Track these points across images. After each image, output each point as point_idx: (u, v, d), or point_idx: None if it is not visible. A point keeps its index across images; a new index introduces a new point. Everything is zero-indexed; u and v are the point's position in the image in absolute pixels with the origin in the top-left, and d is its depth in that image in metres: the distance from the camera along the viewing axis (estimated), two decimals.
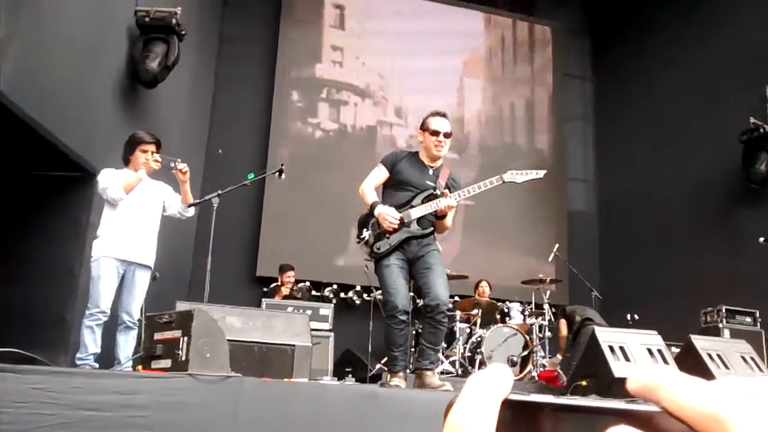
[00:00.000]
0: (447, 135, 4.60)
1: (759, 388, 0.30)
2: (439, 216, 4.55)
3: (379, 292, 7.28)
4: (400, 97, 10.49)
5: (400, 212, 4.54)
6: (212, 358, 3.49)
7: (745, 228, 8.04)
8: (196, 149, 8.83)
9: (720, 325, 7.17)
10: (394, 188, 4.63)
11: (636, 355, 4.64)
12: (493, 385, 0.32)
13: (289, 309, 6.76)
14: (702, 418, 0.29)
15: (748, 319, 7.30)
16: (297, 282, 8.75)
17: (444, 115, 4.69)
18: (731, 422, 0.28)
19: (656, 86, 10.11)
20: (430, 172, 4.66)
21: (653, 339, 4.92)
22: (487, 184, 4.57)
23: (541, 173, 4.74)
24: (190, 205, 5.36)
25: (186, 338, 3.51)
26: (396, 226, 4.48)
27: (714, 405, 0.29)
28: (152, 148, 5.22)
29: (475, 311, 7.83)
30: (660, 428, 0.30)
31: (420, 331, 6.10)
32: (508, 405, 0.32)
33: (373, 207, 4.55)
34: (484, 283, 8.50)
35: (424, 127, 4.66)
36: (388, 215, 4.49)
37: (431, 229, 4.61)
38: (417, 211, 4.54)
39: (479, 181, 4.59)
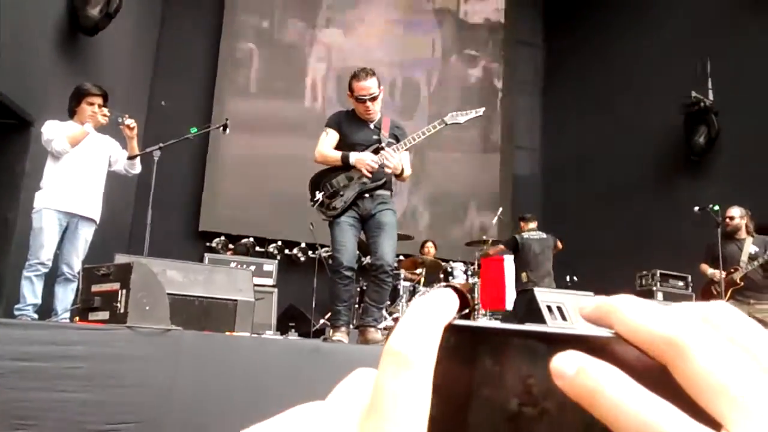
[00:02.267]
0: (373, 98, 4.56)
1: (713, 310, 0.29)
2: (396, 174, 4.62)
3: (324, 249, 7.32)
4: (352, 57, 10.36)
5: (349, 172, 4.56)
6: (151, 311, 3.48)
7: (684, 196, 8.32)
8: (139, 100, 8.62)
9: (654, 288, 7.47)
10: (344, 150, 4.65)
11: (572, 314, 4.81)
12: (436, 310, 0.30)
13: (233, 264, 6.76)
14: (656, 342, 0.28)
15: (681, 284, 7.61)
16: (240, 239, 8.75)
17: (367, 75, 4.55)
18: (686, 345, 0.27)
19: (603, 55, 10.30)
20: (371, 126, 4.68)
21: (588, 300, 5.10)
22: (430, 129, 4.64)
23: (481, 111, 4.85)
24: (130, 157, 5.28)
25: (124, 291, 3.49)
26: (376, 167, 4.49)
27: (669, 328, 0.27)
28: (99, 100, 5.10)
29: (419, 270, 7.96)
30: (613, 354, 0.28)
31: (365, 288, 6.17)
32: (451, 330, 0.30)
33: (345, 159, 4.53)
34: (429, 244, 8.63)
35: (350, 91, 4.64)
36: (367, 158, 4.49)
37: (383, 180, 4.64)
38: None
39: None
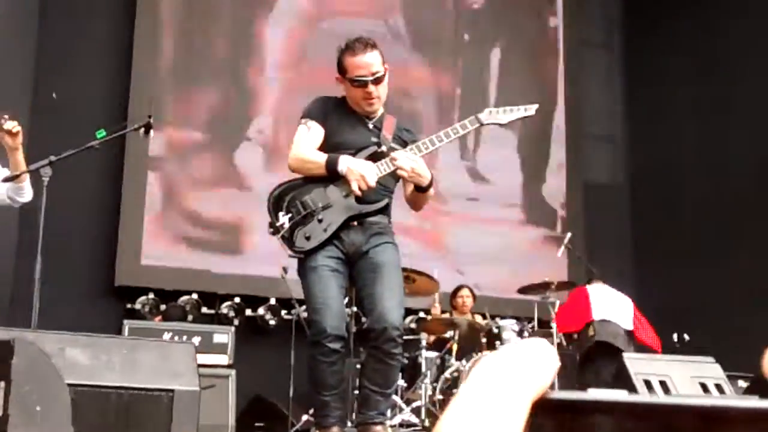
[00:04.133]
0: (377, 80, 4.55)
1: None
2: (419, 188, 4.60)
3: (304, 307, 7.29)
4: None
5: (333, 186, 4.52)
6: (45, 414, 3.46)
7: None
8: (17, 95, 8.64)
9: None
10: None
11: (683, 391, 4.75)
12: (517, 375, 0.27)
13: (167, 335, 6.73)
14: None
15: None
16: (177, 296, 8.72)
17: (366, 46, 4.53)
18: None
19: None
20: (370, 125, 4.70)
21: (709, 369, 5.04)
22: (458, 130, 4.67)
23: (532, 108, 4.90)
24: (11, 178, 5.25)
25: (3, 384, 3.47)
26: (373, 185, 4.42)
27: None
28: None
29: (450, 333, 7.90)
30: None
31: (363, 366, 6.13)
32: (547, 409, 0.28)
33: (332, 165, 4.46)
34: (464, 292, 8.58)
35: (341, 71, 4.61)
36: (364, 168, 4.42)
37: (385, 202, 4.64)
38: None
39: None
